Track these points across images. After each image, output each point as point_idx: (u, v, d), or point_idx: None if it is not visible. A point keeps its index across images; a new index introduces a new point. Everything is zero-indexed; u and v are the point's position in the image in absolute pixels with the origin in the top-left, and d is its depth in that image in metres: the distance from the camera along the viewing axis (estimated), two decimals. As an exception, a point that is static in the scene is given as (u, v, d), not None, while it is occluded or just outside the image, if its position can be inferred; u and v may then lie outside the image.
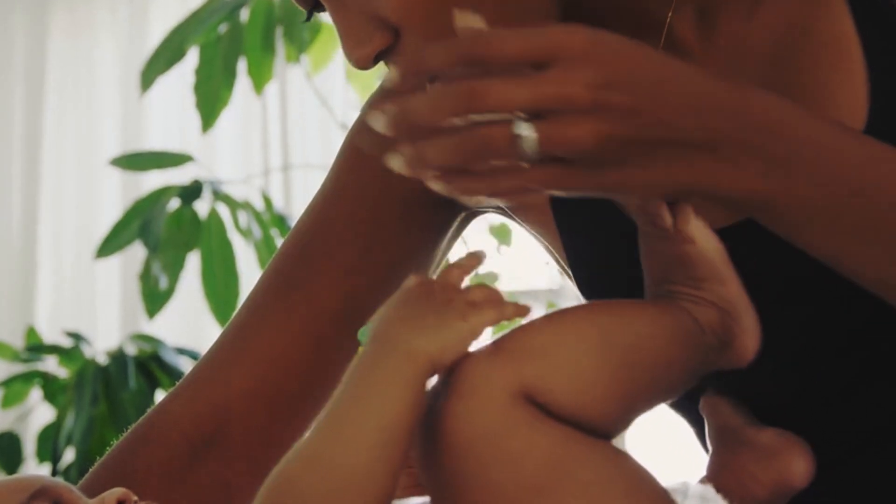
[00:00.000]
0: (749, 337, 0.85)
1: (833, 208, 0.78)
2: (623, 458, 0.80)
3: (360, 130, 1.09)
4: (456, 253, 1.13)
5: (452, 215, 1.09)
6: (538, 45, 0.72)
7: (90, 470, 1.07)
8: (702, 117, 0.75)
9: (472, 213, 1.11)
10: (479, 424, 0.77)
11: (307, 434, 0.80)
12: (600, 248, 0.99)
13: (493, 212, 1.10)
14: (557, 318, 0.82)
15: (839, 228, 0.79)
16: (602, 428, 0.79)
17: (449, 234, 1.10)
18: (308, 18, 0.96)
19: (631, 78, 0.73)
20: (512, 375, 0.78)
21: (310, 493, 0.76)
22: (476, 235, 2.59)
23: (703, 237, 0.83)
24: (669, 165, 0.75)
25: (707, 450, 0.94)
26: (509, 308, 0.80)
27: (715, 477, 0.90)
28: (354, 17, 0.89)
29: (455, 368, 0.78)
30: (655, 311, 0.84)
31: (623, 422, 0.82)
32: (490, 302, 0.80)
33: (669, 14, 0.93)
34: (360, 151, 1.08)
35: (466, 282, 0.82)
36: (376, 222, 1.07)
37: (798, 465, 0.88)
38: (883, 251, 0.79)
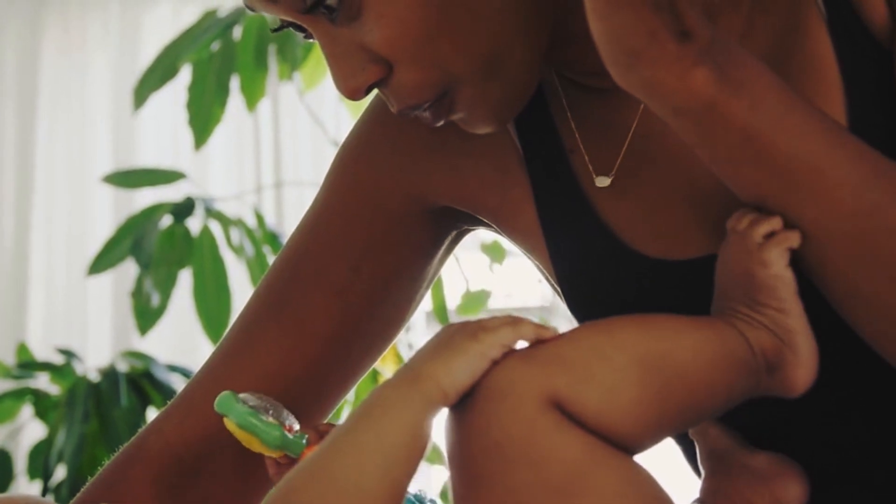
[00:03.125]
0: (803, 369, 0.84)
1: (753, 141, 0.81)
2: (644, 473, 0.81)
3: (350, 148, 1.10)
4: (447, 269, 1.14)
5: (444, 232, 1.10)
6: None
7: (82, 488, 1.06)
8: (687, 17, 0.79)
9: (464, 230, 1.11)
10: (508, 426, 0.78)
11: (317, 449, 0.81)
12: (589, 267, 1.00)
13: (483, 229, 1.10)
14: (599, 330, 0.83)
15: (746, 160, 0.82)
16: (629, 442, 0.80)
17: (441, 251, 1.10)
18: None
19: None
20: (542, 382, 0.79)
21: None
22: (469, 253, 2.60)
23: (778, 266, 0.83)
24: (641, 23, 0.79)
25: (697, 473, 0.93)
26: (526, 327, 0.81)
27: (708, 501, 0.90)
28: (345, 49, 0.89)
29: (486, 373, 0.79)
30: (705, 330, 0.84)
31: (652, 440, 0.82)
32: (506, 323, 0.81)
33: None
34: (351, 169, 1.09)
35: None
36: (366, 239, 1.07)
37: (792, 489, 0.88)
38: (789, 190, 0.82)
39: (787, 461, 0.89)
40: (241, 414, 0.92)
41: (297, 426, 0.93)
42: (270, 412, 0.93)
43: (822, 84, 0.91)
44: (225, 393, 0.93)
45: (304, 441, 0.92)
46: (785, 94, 0.82)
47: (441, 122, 0.93)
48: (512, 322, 0.81)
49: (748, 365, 0.83)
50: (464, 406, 0.80)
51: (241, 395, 0.93)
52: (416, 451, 0.78)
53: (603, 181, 0.98)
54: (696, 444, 0.93)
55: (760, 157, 0.82)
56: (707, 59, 0.80)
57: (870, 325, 0.85)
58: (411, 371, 0.80)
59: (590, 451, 0.78)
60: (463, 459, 0.80)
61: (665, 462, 0.88)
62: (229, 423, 0.92)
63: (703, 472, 0.92)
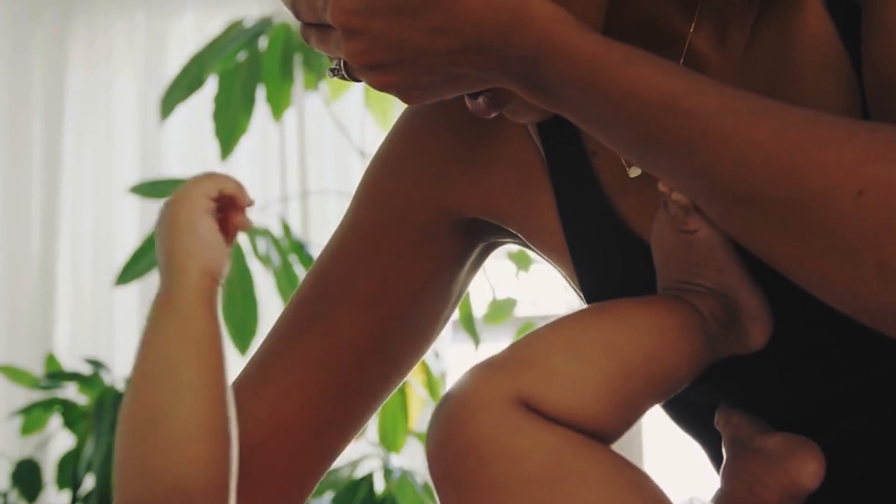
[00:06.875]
0: (757, 323, 0.85)
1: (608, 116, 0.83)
2: (622, 460, 0.83)
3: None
4: (474, 277, 1.14)
5: (471, 245, 1.10)
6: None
7: (112, 500, 1.07)
8: (457, 55, 0.84)
9: (492, 244, 1.11)
10: (479, 425, 0.80)
11: None
12: (611, 271, 1.00)
13: (511, 242, 1.10)
14: (555, 327, 0.85)
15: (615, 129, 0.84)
16: (603, 428, 0.82)
17: (468, 265, 1.10)
18: None
19: (386, 6, 0.83)
20: (508, 386, 0.81)
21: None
22: (495, 262, 2.60)
23: (704, 226, 0.84)
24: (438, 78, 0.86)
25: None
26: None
27: (725, 486, 0.90)
28: None
29: (454, 383, 0.83)
30: (657, 309, 0.86)
31: (625, 423, 0.84)
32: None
33: (691, 30, 0.94)
34: (380, 182, 1.09)
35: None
36: (395, 254, 1.07)
37: (807, 466, 0.87)
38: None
39: (802, 440, 0.88)
40: None
41: None
42: None
43: (832, 64, 0.90)
44: None
45: None
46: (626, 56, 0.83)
47: (494, 114, 0.94)
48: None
49: (702, 330, 0.85)
50: (435, 417, 0.82)
51: None
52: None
53: (635, 171, 0.98)
54: (721, 434, 0.93)
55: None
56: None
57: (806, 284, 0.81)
58: None
59: (567, 442, 0.80)
60: (442, 464, 0.82)
61: (689, 458, 0.88)
62: None
63: (724, 458, 0.92)
